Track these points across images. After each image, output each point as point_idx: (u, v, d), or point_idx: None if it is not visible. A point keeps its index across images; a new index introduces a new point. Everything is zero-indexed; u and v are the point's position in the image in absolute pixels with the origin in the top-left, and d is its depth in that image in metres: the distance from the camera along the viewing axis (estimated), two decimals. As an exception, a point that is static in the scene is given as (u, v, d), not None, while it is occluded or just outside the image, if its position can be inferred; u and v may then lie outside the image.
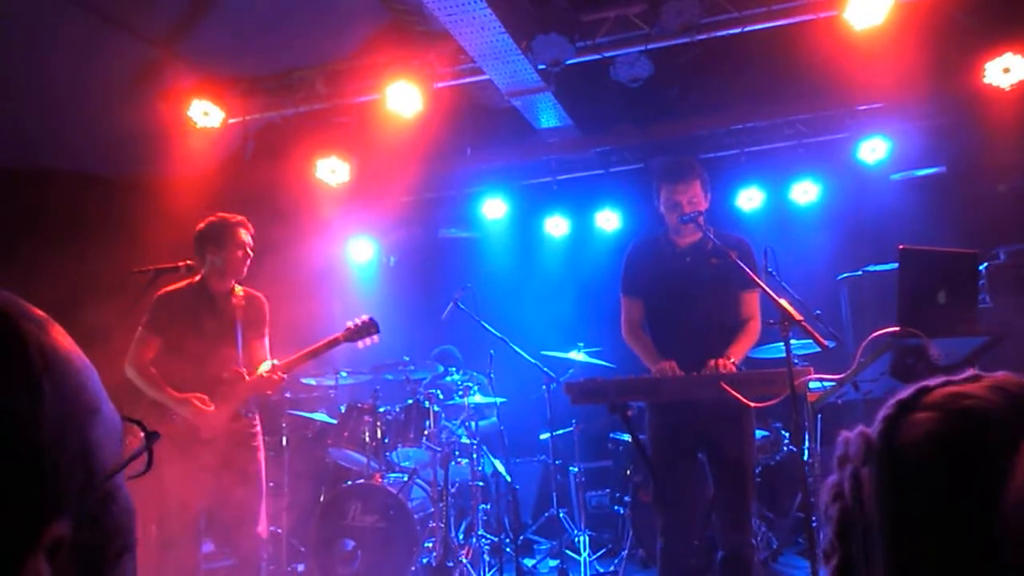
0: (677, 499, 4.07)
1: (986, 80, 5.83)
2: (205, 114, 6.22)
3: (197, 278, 4.28)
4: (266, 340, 4.39)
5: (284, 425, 5.63)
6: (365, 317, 4.39)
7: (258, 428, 4.30)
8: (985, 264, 5.70)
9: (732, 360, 3.99)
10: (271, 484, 5.02)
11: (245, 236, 4.30)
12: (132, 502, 0.75)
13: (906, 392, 0.91)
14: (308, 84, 6.30)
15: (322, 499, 5.55)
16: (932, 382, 0.90)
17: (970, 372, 0.90)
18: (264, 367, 4.18)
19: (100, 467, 0.70)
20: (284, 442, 5.62)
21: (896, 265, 3.35)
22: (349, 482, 5.40)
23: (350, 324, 4.36)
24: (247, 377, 4.15)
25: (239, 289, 4.38)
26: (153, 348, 4.17)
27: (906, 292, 3.23)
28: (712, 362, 3.91)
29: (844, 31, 5.09)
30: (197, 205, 6.20)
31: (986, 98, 5.98)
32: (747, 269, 3.81)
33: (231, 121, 6.42)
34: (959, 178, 6.76)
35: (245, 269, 4.31)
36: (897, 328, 3.15)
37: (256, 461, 4.22)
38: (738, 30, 5.29)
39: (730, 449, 4.05)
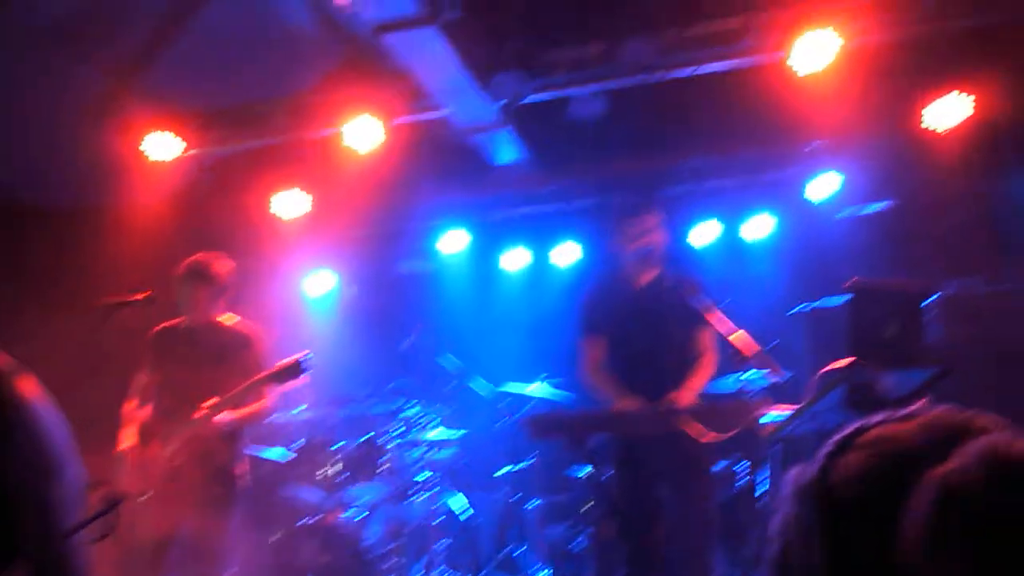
0: (641, 531, 4.09)
1: (929, 120, 6.02)
2: (162, 147, 6.16)
3: (183, 317, 4.42)
4: (259, 374, 4.31)
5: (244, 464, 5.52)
6: (293, 358, 4.22)
7: (228, 468, 4.28)
8: (933, 296, 5.84)
9: (690, 393, 4.04)
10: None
11: (222, 274, 4.34)
12: (90, 562, 0.74)
13: (846, 430, 0.93)
14: (267, 118, 6.28)
15: (274, 539, 5.44)
16: (872, 420, 0.93)
17: (910, 408, 0.92)
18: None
19: (58, 525, 0.69)
20: (243, 483, 5.50)
21: (847, 298, 3.43)
22: (303, 520, 5.31)
23: (281, 362, 4.24)
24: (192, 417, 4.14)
25: (231, 324, 4.41)
26: (144, 385, 4.26)
27: (857, 325, 3.31)
28: (670, 396, 3.97)
29: (793, 73, 5.24)
30: (153, 238, 6.15)
31: (931, 135, 6.17)
32: (703, 308, 3.87)
33: (189, 153, 6.37)
34: (908, 213, 6.94)
35: (222, 307, 4.41)
36: (849, 361, 3.22)
37: (219, 502, 4.19)
38: (691, 71, 5.43)
39: (692, 481, 4.11)
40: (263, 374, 4.23)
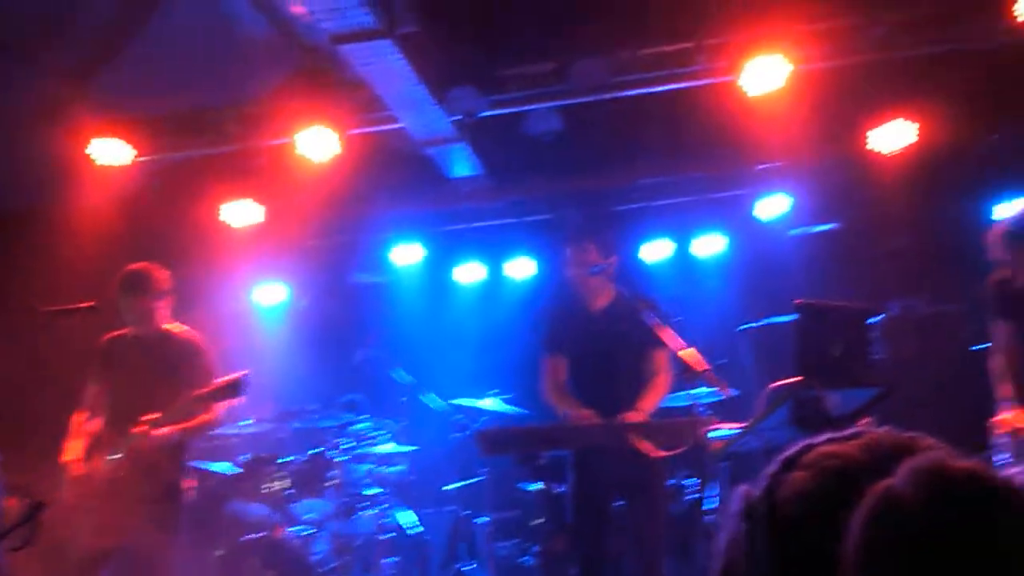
0: (594, 546, 4.21)
1: (875, 144, 6.18)
2: (111, 152, 6.04)
3: (129, 327, 4.34)
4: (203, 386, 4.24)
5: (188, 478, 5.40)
6: (234, 375, 4.18)
7: (173, 481, 4.18)
8: (878, 317, 5.98)
9: (642, 412, 4.10)
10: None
11: (161, 285, 4.29)
12: (10, 570, 0.72)
13: (791, 449, 0.94)
14: (219, 126, 6.20)
15: (218, 554, 5.33)
16: (817, 439, 0.94)
17: (854, 428, 0.94)
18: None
19: None
20: (187, 499, 5.39)
21: (794, 317, 3.49)
22: (248, 536, 5.22)
23: (223, 379, 4.19)
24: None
25: (178, 334, 4.33)
26: (94, 395, 4.16)
27: (803, 344, 3.37)
28: (624, 415, 4.01)
29: (744, 95, 5.35)
30: (100, 244, 6.02)
31: (876, 159, 6.33)
32: (656, 327, 3.92)
33: (139, 160, 6.25)
34: (853, 234, 7.11)
35: (164, 317, 4.34)
36: (795, 379, 3.27)
37: (163, 517, 4.10)
38: (644, 91, 5.51)
39: (644, 495, 4.18)
40: (203, 390, 4.15)
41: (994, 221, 4.96)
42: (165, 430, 4.05)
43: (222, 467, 5.88)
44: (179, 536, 4.24)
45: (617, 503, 4.38)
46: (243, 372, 4.19)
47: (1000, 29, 5.20)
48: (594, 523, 4.27)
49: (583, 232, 4.41)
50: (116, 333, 4.39)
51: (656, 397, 4.30)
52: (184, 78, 5.89)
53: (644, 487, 4.21)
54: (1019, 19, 4.91)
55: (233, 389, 4.16)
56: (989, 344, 5.19)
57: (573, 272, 4.40)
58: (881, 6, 5.29)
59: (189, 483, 4.40)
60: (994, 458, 4.12)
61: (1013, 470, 3.97)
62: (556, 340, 4.52)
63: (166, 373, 4.22)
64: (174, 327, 4.40)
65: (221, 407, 4.29)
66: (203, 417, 4.23)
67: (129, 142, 6.08)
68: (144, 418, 4.03)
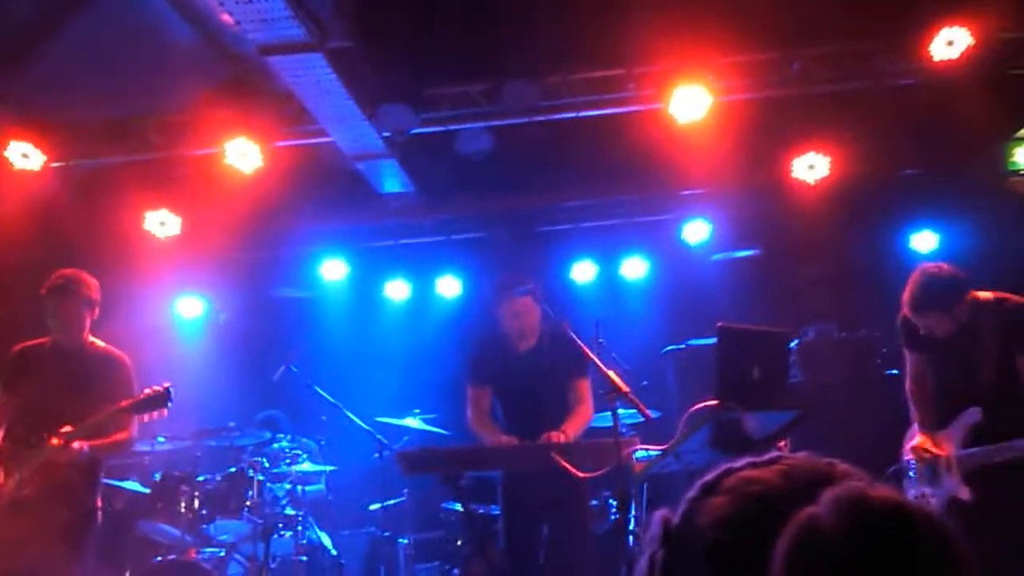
0: (524, 564, 4.33)
1: (793, 174, 6.38)
2: (24, 156, 5.81)
3: (48, 337, 4.20)
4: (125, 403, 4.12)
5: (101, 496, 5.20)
6: (161, 386, 4.10)
7: (83, 510, 4.04)
8: (795, 341, 6.14)
9: (564, 435, 4.14)
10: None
11: (86, 295, 4.16)
12: None
13: (711, 474, 0.95)
14: (141, 133, 6.03)
15: (128, 576, 5.14)
16: (736, 464, 0.94)
17: (773, 454, 0.95)
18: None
19: None
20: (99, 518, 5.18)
21: (715, 341, 3.56)
22: (159, 558, 5.04)
23: (146, 391, 4.10)
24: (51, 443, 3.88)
25: (97, 347, 4.17)
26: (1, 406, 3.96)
27: (723, 367, 3.43)
28: (546, 435, 4.04)
29: (670, 121, 5.47)
30: (13, 250, 5.78)
31: (795, 189, 6.54)
32: (574, 360, 4.21)
33: (53, 165, 6.03)
34: (772, 261, 7.31)
35: (84, 329, 4.19)
36: (715, 401, 3.33)
37: (72, 535, 3.93)
38: (574, 115, 5.58)
39: (568, 516, 4.35)
40: (125, 403, 4.02)
41: (909, 258, 5.15)
42: (79, 444, 3.89)
43: (133, 486, 5.68)
44: (87, 556, 4.07)
45: (545, 522, 4.49)
46: (166, 385, 4.08)
47: (914, 68, 5.45)
48: (525, 544, 4.38)
49: (519, 287, 4.49)
50: (32, 342, 4.22)
51: (578, 424, 4.42)
52: (106, 84, 5.72)
53: (567, 506, 4.29)
54: (934, 58, 5.14)
55: (156, 402, 4.06)
56: (898, 371, 5.39)
57: (506, 321, 4.54)
58: (800, 42, 5.48)
59: (99, 501, 4.24)
60: (904, 481, 4.25)
61: (918, 491, 4.11)
62: (482, 372, 4.66)
63: (83, 386, 4.07)
64: (95, 341, 4.26)
65: (137, 425, 4.16)
66: (119, 435, 4.09)
67: (45, 147, 5.87)
68: (59, 431, 3.86)
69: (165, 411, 4.11)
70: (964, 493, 3.90)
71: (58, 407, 3.98)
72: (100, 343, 4.27)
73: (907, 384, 4.33)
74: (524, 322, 4.52)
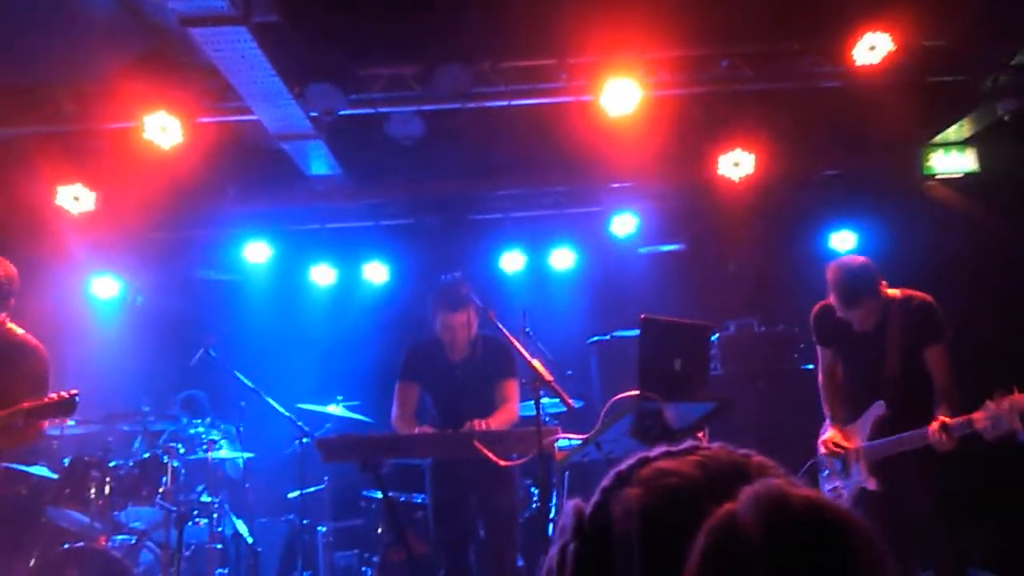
0: (456, 555, 4.43)
1: (719, 171, 6.49)
2: (-77, 124, 5.51)
3: None
4: (45, 393, 3.99)
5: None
6: (68, 393, 3.97)
7: None
8: (716, 335, 6.26)
9: (489, 425, 4.16)
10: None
11: (3, 280, 4.02)
12: None
13: (625, 464, 0.93)
14: (54, 103, 5.77)
15: (32, 564, 4.93)
16: (652, 453, 0.93)
17: (689, 443, 0.94)
18: None
19: None
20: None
21: (638, 332, 3.59)
22: (67, 545, 4.85)
23: (53, 396, 3.96)
24: None
25: (12, 334, 3.96)
26: None
27: (645, 358, 3.47)
28: (469, 424, 4.05)
29: (601, 115, 5.50)
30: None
31: (720, 186, 6.65)
32: (504, 365, 4.43)
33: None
34: (696, 255, 7.44)
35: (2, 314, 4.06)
36: (636, 392, 3.36)
37: None
38: (505, 103, 5.57)
39: (499, 501, 4.46)
40: (27, 405, 3.85)
41: (828, 256, 5.28)
42: None
43: (40, 471, 5.45)
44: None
45: (475, 507, 4.58)
46: (73, 392, 3.95)
47: (837, 71, 5.59)
48: (455, 532, 4.47)
49: (459, 300, 4.51)
50: None
51: (503, 419, 4.45)
52: (16, 50, 5.45)
53: (499, 492, 4.41)
54: (856, 63, 5.27)
55: (60, 408, 3.93)
56: (812, 366, 5.54)
57: (441, 332, 4.57)
58: (729, 40, 5.57)
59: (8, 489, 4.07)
60: (819, 475, 4.38)
61: (831, 485, 4.24)
62: (413, 373, 4.69)
63: None
64: (13, 327, 4.06)
65: (45, 424, 3.99)
66: (23, 431, 3.92)
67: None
68: None
69: (68, 419, 3.97)
70: (871, 484, 4.06)
71: None
72: (18, 331, 4.08)
73: (819, 378, 4.47)
74: (458, 336, 4.56)
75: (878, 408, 4.09)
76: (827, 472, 4.34)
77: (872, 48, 5.22)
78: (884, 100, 5.77)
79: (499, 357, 4.57)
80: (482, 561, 4.60)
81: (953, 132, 6.84)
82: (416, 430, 4.32)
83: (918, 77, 5.68)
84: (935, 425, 3.78)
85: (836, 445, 4.23)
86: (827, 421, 4.38)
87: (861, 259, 4.21)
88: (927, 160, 7.01)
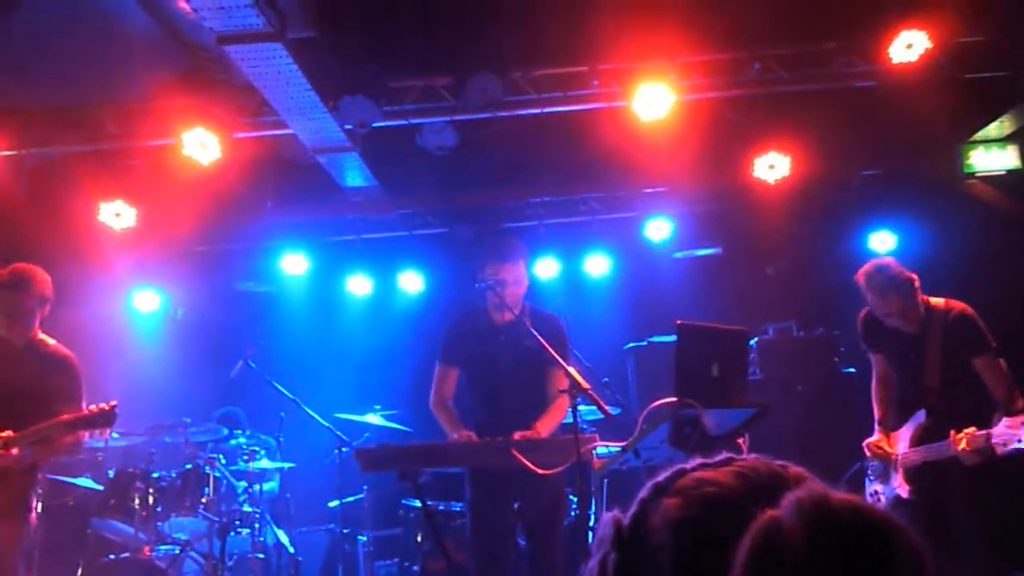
0: (494, 562, 4.23)
1: (755, 174, 6.43)
2: (-28, 145, 5.66)
3: None
4: (79, 406, 4.03)
5: (39, 492, 5.08)
6: (107, 404, 3.99)
7: (19, 504, 3.95)
8: (755, 340, 6.20)
9: (539, 432, 4.09)
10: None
11: (38, 291, 4.04)
12: None
13: (662, 475, 0.93)
14: (96, 122, 5.90)
15: (79, 574, 5.02)
16: (689, 465, 0.93)
17: (724, 455, 0.94)
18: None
19: None
20: (38, 510, 5.06)
21: (674, 338, 3.57)
22: (112, 556, 4.94)
23: (92, 408, 3.99)
24: None
25: (45, 345, 4.03)
26: None
27: (682, 365, 3.44)
28: (518, 435, 3.98)
29: (634, 120, 5.48)
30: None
31: (756, 188, 6.59)
32: (555, 346, 3.93)
33: (4, 154, 5.88)
34: (733, 259, 7.37)
35: (33, 326, 4.06)
36: (675, 399, 3.33)
37: (9, 537, 3.82)
38: (537, 111, 5.57)
39: (542, 513, 4.26)
40: (67, 417, 3.91)
41: (867, 258, 5.20)
42: (18, 451, 3.79)
43: (85, 482, 5.56)
44: (24, 556, 3.97)
45: (517, 517, 4.39)
46: (112, 403, 3.98)
47: (873, 70, 5.51)
48: (493, 539, 4.27)
49: (513, 250, 4.34)
50: None
51: (555, 418, 4.27)
52: (60, 71, 5.58)
53: (543, 503, 4.23)
54: (893, 61, 5.20)
55: (100, 420, 3.97)
56: (855, 369, 5.45)
57: (488, 287, 4.21)
58: (762, 42, 5.52)
59: (42, 499, 4.14)
60: (865, 477, 4.33)
61: (872, 489, 4.20)
62: (453, 351, 4.46)
63: (26, 387, 3.94)
64: (45, 339, 4.13)
65: (84, 435, 4.06)
66: (63, 442, 3.99)
67: (-6, 135, 5.72)
68: (2, 435, 3.76)
69: (108, 430, 4.02)
70: (904, 491, 4.04)
71: (4, 406, 3.85)
72: (50, 341, 4.13)
73: (873, 384, 4.42)
74: (510, 292, 4.21)
75: (919, 416, 4.08)
76: (872, 476, 4.30)
77: (909, 46, 5.14)
78: (922, 98, 5.67)
79: (551, 332, 4.13)
80: (519, 566, 4.47)
81: (994, 129, 6.71)
82: (454, 431, 4.21)
83: (956, 74, 5.58)
84: (957, 437, 3.72)
85: (878, 448, 4.20)
86: (876, 425, 4.34)
87: (890, 260, 4.25)
88: (967, 158, 6.88)
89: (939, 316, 4.10)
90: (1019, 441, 3.53)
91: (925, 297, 4.13)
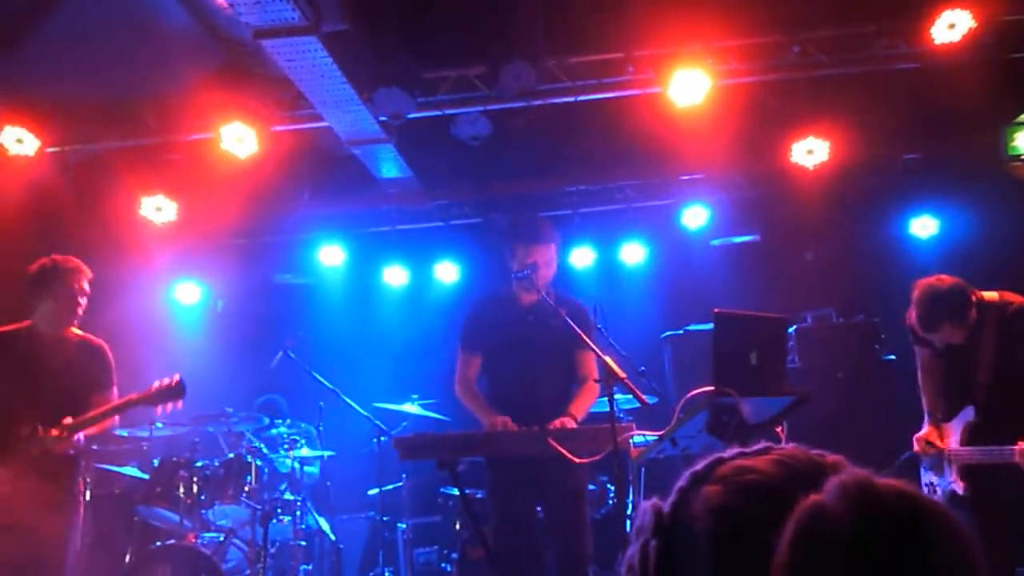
0: (514, 553, 4.14)
1: (792, 159, 6.35)
2: (19, 141, 5.79)
3: (27, 323, 4.10)
4: (111, 392, 4.14)
5: (87, 480, 5.20)
6: (174, 378, 4.06)
7: (72, 491, 4.06)
8: (793, 327, 6.13)
9: (575, 419, 4.07)
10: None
11: (78, 283, 4.09)
12: None
13: (701, 464, 0.94)
14: (137, 117, 6.01)
15: (127, 561, 5.14)
16: (727, 453, 0.93)
17: (762, 444, 0.94)
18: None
19: None
20: (87, 498, 5.19)
21: (711, 326, 3.54)
22: (159, 543, 5.05)
23: (156, 384, 4.06)
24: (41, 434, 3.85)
25: (76, 335, 4.12)
26: None
27: (720, 353, 3.41)
28: (555, 423, 3.97)
29: (669, 106, 5.44)
30: (6, 239, 5.75)
31: (794, 174, 6.51)
32: (580, 331, 3.89)
33: (48, 150, 6.01)
34: (771, 246, 7.29)
35: (75, 318, 4.13)
36: (712, 387, 3.31)
37: (57, 526, 3.91)
38: (572, 99, 5.55)
39: (566, 502, 4.19)
40: (135, 396, 3.99)
41: (909, 244, 5.08)
42: (78, 436, 3.89)
43: (131, 471, 5.68)
44: (75, 544, 4.08)
45: (540, 507, 4.36)
46: (177, 377, 4.05)
47: (915, 52, 5.41)
48: (515, 526, 4.20)
49: (540, 235, 4.30)
50: (8, 328, 4.11)
51: (586, 402, 4.24)
52: (101, 68, 5.68)
53: (564, 490, 4.18)
54: (935, 42, 5.10)
55: (171, 393, 4.02)
56: (895, 356, 5.35)
57: (516, 270, 4.20)
58: (800, 25, 5.44)
59: (90, 488, 4.25)
60: (919, 467, 4.24)
61: (927, 480, 4.13)
62: (476, 336, 4.42)
63: (67, 375, 4.03)
64: (73, 329, 4.20)
65: (116, 419, 4.14)
66: (106, 422, 4.08)
67: (40, 132, 5.85)
68: (62, 423, 3.85)
69: (180, 403, 4.08)
70: (960, 488, 3.94)
71: (32, 396, 3.90)
72: (78, 331, 4.22)
73: (919, 374, 4.31)
74: (541, 274, 4.14)
75: (968, 413, 3.96)
76: (926, 467, 4.21)
77: (951, 26, 5.04)
78: (965, 79, 5.55)
79: (575, 316, 4.04)
80: (550, 560, 4.38)
81: (1038, 110, 6.56)
82: (491, 419, 4.15)
83: (1000, 54, 5.45)
84: (1022, 446, 3.63)
85: (928, 443, 4.10)
86: (926, 416, 4.25)
87: (947, 281, 3.92)
88: (1011, 140, 6.72)
89: (994, 312, 3.93)
90: None
91: (978, 293, 3.95)
